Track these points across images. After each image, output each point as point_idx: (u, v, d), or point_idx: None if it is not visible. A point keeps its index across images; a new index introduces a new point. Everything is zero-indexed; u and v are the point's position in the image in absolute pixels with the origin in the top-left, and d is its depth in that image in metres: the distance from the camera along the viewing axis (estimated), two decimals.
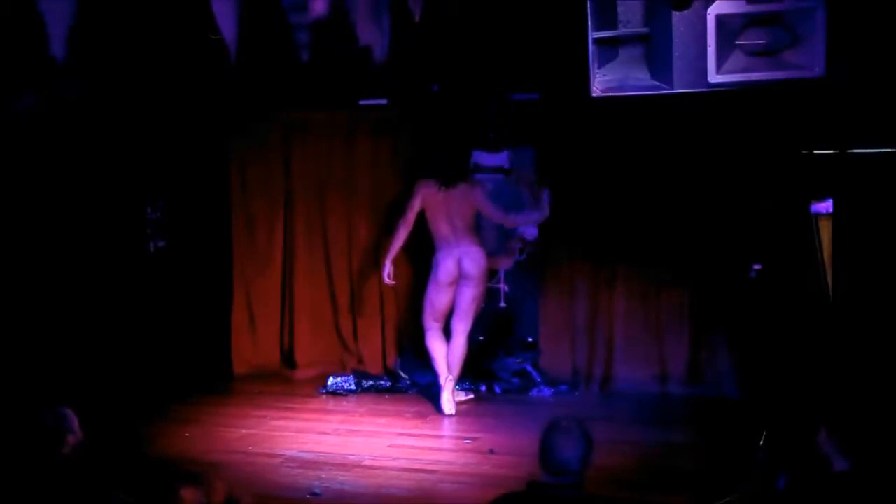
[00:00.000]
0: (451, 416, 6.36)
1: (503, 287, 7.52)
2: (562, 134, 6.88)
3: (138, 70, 6.53)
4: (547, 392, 6.94)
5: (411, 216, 6.49)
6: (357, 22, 3.02)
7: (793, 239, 6.10)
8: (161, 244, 7.36)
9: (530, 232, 7.41)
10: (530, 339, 7.48)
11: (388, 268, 6.54)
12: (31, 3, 2.71)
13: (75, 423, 3.68)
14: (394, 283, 6.67)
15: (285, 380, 7.49)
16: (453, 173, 6.46)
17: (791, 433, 4.18)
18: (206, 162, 7.51)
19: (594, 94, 4.71)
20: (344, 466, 5.34)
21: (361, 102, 7.40)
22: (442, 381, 6.43)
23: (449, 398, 6.40)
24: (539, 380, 7.06)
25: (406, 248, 6.66)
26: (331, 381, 7.12)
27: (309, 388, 7.20)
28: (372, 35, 3.03)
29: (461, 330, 6.46)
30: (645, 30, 4.59)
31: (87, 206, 6.62)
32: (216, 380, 7.35)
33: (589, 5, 4.57)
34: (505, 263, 7.41)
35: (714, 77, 4.43)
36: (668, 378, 6.82)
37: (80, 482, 3.52)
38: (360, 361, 7.48)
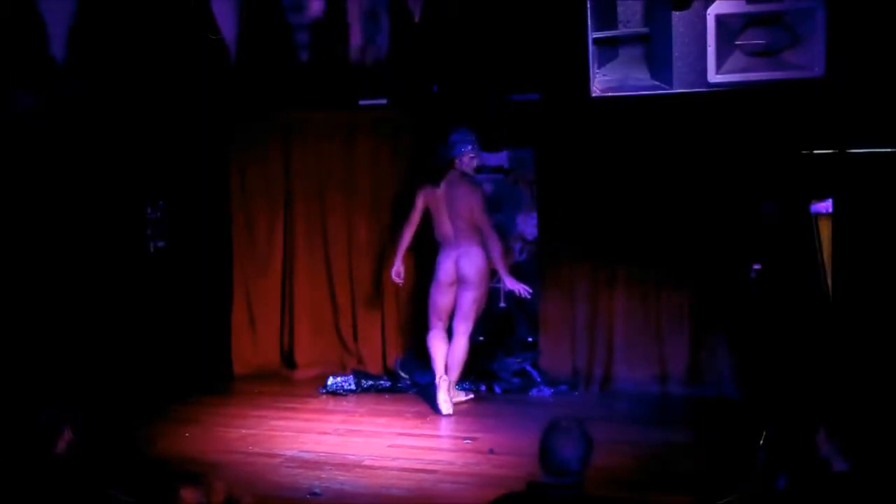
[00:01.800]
0: (449, 415, 6.35)
1: (503, 287, 7.51)
2: (562, 134, 6.88)
3: (138, 70, 6.54)
4: (547, 392, 6.93)
5: (415, 215, 6.51)
6: (351, 24, 3.03)
7: (793, 239, 6.10)
8: (161, 244, 7.37)
9: (530, 232, 7.41)
10: (530, 339, 7.49)
11: (396, 266, 6.57)
12: (31, 3, 2.72)
13: (71, 422, 3.67)
14: (402, 281, 6.67)
15: (285, 380, 7.49)
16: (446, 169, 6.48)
17: (791, 433, 4.18)
18: (206, 162, 7.51)
19: (594, 94, 4.72)
20: (344, 466, 5.33)
21: (361, 102, 7.40)
22: (437, 380, 6.43)
23: (445, 398, 6.38)
24: (539, 380, 7.05)
25: (408, 248, 6.66)
26: (331, 381, 7.11)
27: (309, 388, 7.20)
28: (364, 36, 3.04)
29: (462, 331, 6.45)
30: (645, 30, 4.60)
31: (87, 207, 6.62)
32: (216, 380, 7.34)
33: (589, 5, 4.57)
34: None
35: (714, 77, 4.43)
36: (668, 378, 6.81)
37: (74, 481, 3.51)
38: (360, 361, 7.47)
